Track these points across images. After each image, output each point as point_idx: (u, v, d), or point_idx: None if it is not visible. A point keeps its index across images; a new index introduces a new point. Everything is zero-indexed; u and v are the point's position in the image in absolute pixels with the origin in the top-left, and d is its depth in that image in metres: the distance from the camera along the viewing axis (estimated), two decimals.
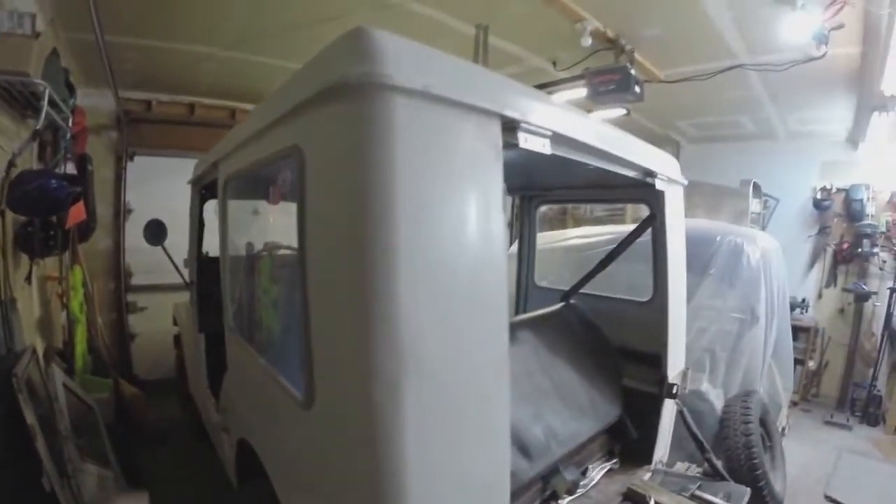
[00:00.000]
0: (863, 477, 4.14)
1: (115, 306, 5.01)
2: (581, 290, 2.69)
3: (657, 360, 2.31)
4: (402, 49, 1.06)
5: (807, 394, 5.85)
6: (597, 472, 2.20)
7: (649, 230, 2.38)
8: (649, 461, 2.32)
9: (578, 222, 6.67)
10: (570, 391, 2.20)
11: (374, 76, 1.00)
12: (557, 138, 1.41)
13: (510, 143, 1.24)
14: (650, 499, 1.98)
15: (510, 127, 1.24)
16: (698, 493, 2.10)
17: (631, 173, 1.97)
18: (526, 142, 1.29)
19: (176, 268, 3.41)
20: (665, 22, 3.49)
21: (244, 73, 4.34)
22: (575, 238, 4.17)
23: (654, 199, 2.25)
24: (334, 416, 1.18)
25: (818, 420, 5.34)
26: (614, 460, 2.31)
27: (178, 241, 3.41)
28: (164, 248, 3.33)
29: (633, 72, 3.35)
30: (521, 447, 1.80)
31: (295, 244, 1.28)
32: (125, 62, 3.94)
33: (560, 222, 6.96)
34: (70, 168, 3.13)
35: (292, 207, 1.29)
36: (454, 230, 1.13)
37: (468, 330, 1.15)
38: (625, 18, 3.41)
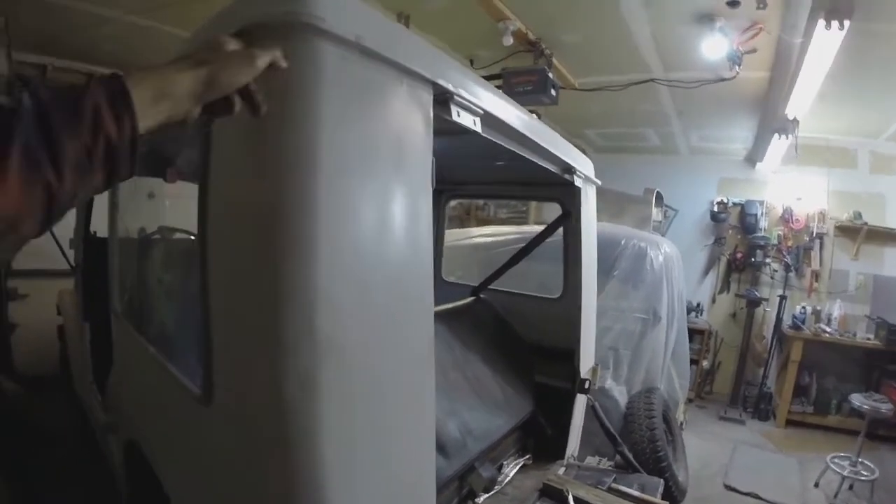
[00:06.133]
0: (758, 467, 4.42)
1: None
2: (490, 287, 2.67)
3: (568, 356, 2.32)
4: None
5: (701, 391, 6.26)
6: (511, 468, 2.16)
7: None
8: (562, 456, 2.32)
9: (482, 223, 6.74)
10: (485, 386, 2.15)
11: (303, 16, 0.84)
12: (488, 119, 1.33)
13: (440, 117, 1.15)
14: (568, 493, 1.95)
15: (442, 99, 1.14)
16: (614, 485, 2.11)
17: (552, 167, 1.96)
18: (458, 116, 1.20)
19: (60, 248, 3.05)
20: (586, 30, 3.59)
21: (145, 43, 3.94)
22: (482, 236, 4.16)
23: (570, 197, 2.26)
24: (238, 412, 1.01)
25: (713, 415, 5.71)
26: (527, 456, 2.29)
27: (65, 219, 3.05)
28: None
29: (550, 74, 3.40)
30: (438, 445, 1.71)
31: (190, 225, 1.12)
32: (21, 18, 3.42)
33: (464, 221, 7.01)
34: None
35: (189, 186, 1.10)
36: (381, 207, 1.00)
37: (393, 317, 1.04)
38: (547, 22, 3.46)
